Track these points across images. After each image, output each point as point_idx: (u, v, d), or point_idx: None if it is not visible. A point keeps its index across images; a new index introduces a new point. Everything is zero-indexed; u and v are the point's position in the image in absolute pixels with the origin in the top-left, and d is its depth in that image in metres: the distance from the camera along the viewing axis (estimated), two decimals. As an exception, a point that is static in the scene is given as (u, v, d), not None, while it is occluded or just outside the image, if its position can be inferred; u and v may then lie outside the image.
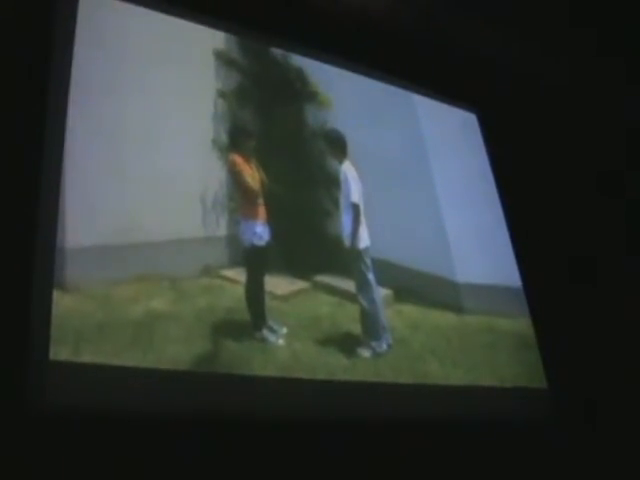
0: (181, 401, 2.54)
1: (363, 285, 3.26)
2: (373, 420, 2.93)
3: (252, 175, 3.11)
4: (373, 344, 3.15)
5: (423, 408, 3.15)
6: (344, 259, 3.31)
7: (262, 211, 3.09)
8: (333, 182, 3.41)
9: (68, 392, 2.29)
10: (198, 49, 3.27)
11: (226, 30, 3.42)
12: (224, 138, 3.15)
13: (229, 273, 2.91)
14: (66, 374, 2.30)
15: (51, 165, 2.54)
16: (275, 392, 2.77)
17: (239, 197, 3.10)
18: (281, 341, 2.90)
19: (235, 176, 3.10)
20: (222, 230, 2.99)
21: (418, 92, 4.14)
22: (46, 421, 2.20)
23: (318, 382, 2.89)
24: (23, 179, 2.49)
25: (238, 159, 3.13)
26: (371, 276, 3.29)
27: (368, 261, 3.31)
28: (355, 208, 3.35)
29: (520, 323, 3.78)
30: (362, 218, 3.36)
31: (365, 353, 3.10)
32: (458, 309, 3.57)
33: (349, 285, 3.24)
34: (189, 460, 2.46)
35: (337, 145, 3.49)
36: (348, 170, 3.43)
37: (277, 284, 3.02)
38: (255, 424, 2.62)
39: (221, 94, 3.23)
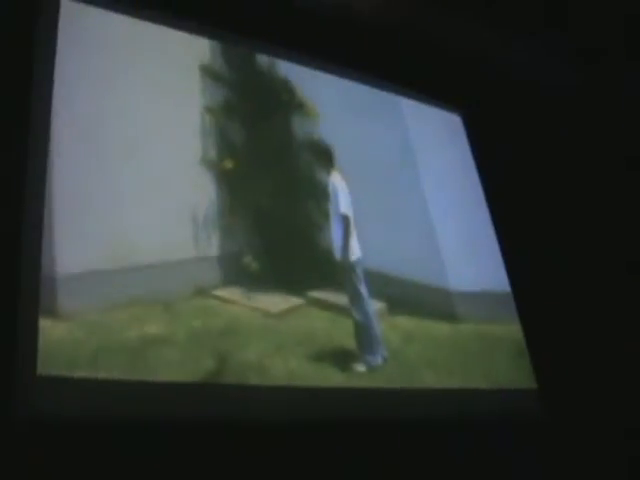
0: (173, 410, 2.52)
1: (356, 298, 3.25)
2: (369, 423, 2.93)
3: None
4: (368, 358, 3.13)
5: (418, 411, 3.15)
6: (336, 273, 3.30)
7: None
8: (322, 194, 3.39)
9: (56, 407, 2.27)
10: (184, 64, 3.23)
11: (210, 35, 3.39)
12: (213, 154, 3.11)
13: (222, 293, 2.88)
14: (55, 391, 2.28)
15: (35, 193, 2.50)
16: (271, 401, 2.76)
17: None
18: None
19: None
20: (214, 249, 2.96)
21: (404, 95, 4.13)
22: (32, 432, 2.18)
23: (313, 390, 2.89)
24: (6, 205, 2.44)
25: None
26: (364, 289, 3.27)
27: (360, 273, 3.30)
28: (345, 219, 3.33)
29: (511, 328, 3.78)
30: (352, 229, 3.34)
31: (360, 368, 3.09)
32: (451, 317, 3.57)
33: (342, 299, 3.22)
34: (179, 466, 2.45)
35: (324, 156, 3.47)
36: (336, 181, 3.42)
37: (271, 301, 2.99)
38: (247, 430, 2.60)
39: (208, 109, 3.19)
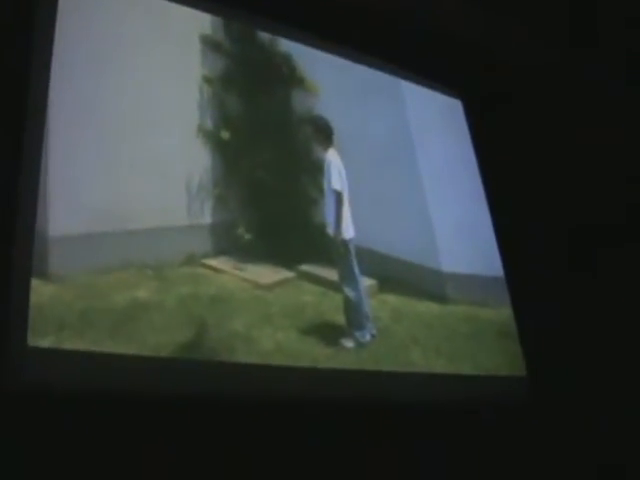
0: (161, 384, 2.53)
1: (347, 275, 3.25)
2: (355, 404, 2.94)
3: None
4: (357, 334, 3.14)
5: (405, 393, 3.16)
6: (329, 248, 3.29)
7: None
8: (318, 170, 3.38)
9: (46, 376, 2.28)
10: (184, 33, 3.21)
11: (211, 11, 3.36)
12: (210, 124, 3.11)
13: (213, 262, 2.88)
14: (44, 360, 2.28)
15: (31, 153, 2.49)
16: (258, 378, 2.76)
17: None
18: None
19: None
20: (207, 218, 2.96)
21: (405, 77, 4.11)
22: (22, 402, 2.18)
23: (301, 369, 2.89)
24: (1, 166, 2.44)
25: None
26: (355, 266, 3.28)
27: (352, 250, 3.30)
28: (337, 195, 3.33)
29: (502, 313, 3.79)
30: (346, 207, 3.35)
31: (348, 343, 3.10)
32: (442, 298, 3.58)
33: (333, 274, 3.23)
34: (169, 441, 2.47)
35: (323, 132, 3.46)
36: (332, 157, 3.41)
37: (261, 273, 3.00)
38: (236, 407, 2.62)
39: (207, 80, 3.18)
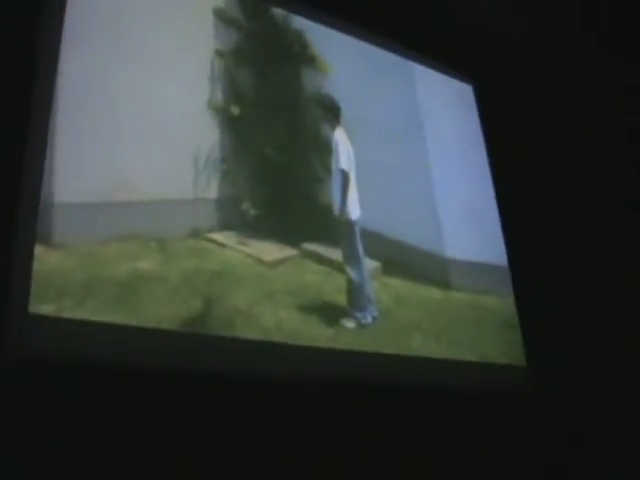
0: (160, 357, 2.53)
1: (351, 256, 3.25)
2: (353, 385, 2.94)
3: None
4: (358, 315, 3.14)
5: (403, 377, 3.15)
6: (334, 228, 3.29)
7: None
8: (326, 149, 3.37)
9: (47, 344, 2.27)
10: (197, 6, 3.20)
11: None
12: (220, 98, 3.10)
13: (218, 236, 2.87)
14: (45, 327, 2.28)
15: (39, 120, 2.49)
16: (258, 355, 2.76)
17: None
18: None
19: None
20: (213, 192, 2.95)
21: (417, 61, 4.10)
22: (22, 371, 2.18)
23: (301, 348, 2.88)
24: (9, 132, 2.43)
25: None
26: (360, 247, 3.27)
27: (357, 231, 3.29)
28: (344, 175, 3.32)
29: (505, 302, 3.79)
30: (353, 187, 3.34)
31: (349, 324, 3.10)
32: (445, 285, 3.57)
33: (337, 254, 3.22)
34: (166, 414, 2.47)
35: (331, 111, 3.44)
36: (340, 137, 3.40)
37: (265, 250, 2.99)
38: (236, 384, 2.62)
39: (219, 53, 3.16)
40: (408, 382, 3.13)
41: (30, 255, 2.31)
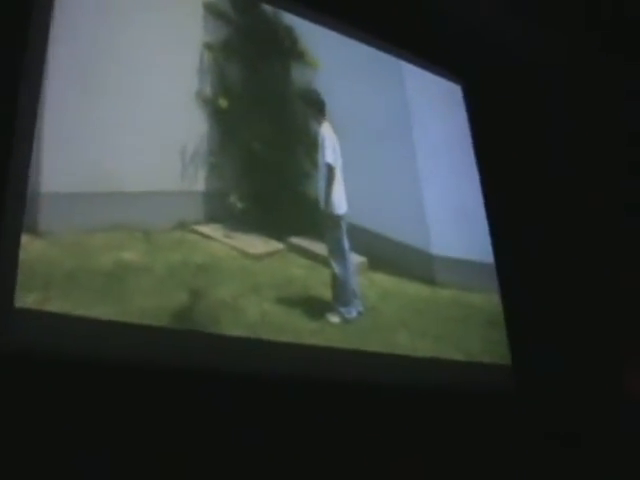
0: (148, 353, 2.53)
1: (336, 250, 3.25)
2: (337, 382, 2.95)
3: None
4: (343, 310, 3.15)
5: (388, 375, 3.16)
6: (320, 222, 3.30)
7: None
8: (314, 144, 3.38)
9: (33, 339, 2.27)
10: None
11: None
12: (208, 91, 3.10)
13: (204, 229, 2.88)
14: (31, 322, 2.28)
15: (27, 111, 2.49)
16: (245, 351, 2.77)
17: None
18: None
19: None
20: (200, 185, 2.95)
21: (406, 59, 4.11)
22: (8, 365, 2.18)
23: (285, 344, 2.88)
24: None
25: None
26: (345, 242, 3.28)
27: (344, 226, 3.30)
28: (329, 169, 3.33)
29: (490, 299, 3.81)
30: (340, 182, 3.34)
31: (334, 319, 3.11)
32: (431, 281, 3.59)
33: (323, 249, 3.23)
34: (153, 409, 2.47)
35: (315, 106, 3.45)
36: (326, 132, 3.40)
37: (251, 243, 3.00)
38: (218, 379, 2.62)
39: (208, 46, 3.16)
40: (393, 380, 3.14)
41: (16, 249, 2.31)
